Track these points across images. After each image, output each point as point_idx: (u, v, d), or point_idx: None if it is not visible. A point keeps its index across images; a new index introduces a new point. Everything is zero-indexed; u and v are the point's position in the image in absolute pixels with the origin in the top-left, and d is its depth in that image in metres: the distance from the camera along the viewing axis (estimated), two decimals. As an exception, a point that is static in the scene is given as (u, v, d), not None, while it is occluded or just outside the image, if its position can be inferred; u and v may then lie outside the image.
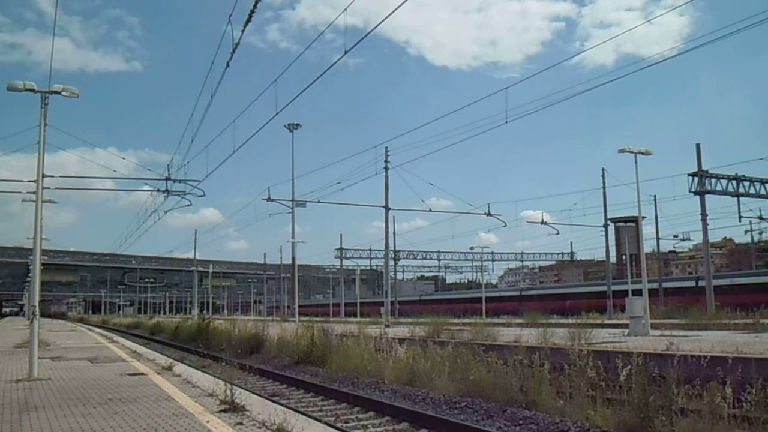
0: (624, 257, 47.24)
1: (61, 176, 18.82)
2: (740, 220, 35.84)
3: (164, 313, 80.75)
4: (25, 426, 6.53)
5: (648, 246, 44.70)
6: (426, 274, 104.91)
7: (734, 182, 33.73)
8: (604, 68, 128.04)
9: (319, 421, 8.37)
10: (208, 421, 6.60)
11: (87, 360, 14.44)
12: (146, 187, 23.02)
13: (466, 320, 27.14)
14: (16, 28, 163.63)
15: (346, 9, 10.38)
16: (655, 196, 40.87)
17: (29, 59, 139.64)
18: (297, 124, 45.03)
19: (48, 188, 15.21)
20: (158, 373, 11.42)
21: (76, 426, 6.47)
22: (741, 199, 34.49)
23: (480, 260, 63.32)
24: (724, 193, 33.67)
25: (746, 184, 34.28)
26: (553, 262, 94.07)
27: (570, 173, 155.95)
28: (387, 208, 33.62)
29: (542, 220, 44.92)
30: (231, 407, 7.25)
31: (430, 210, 40.95)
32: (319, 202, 36.42)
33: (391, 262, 51.17)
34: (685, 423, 7.34)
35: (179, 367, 12.63)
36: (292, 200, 39.19)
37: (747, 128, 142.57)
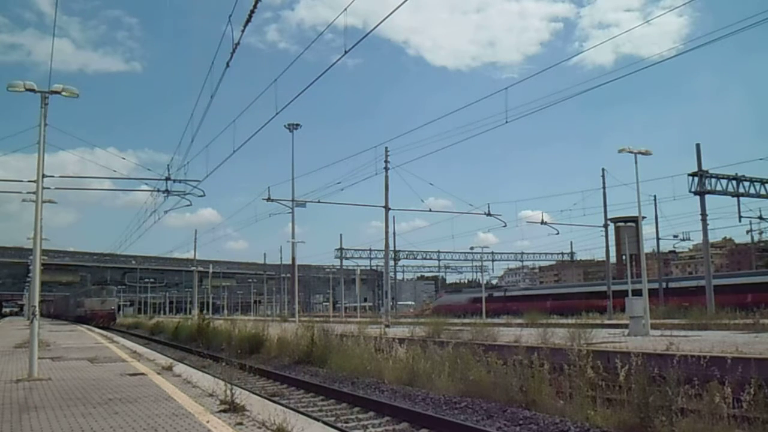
0: (624, 257, 47.16)
1: (60, 176, 18.86)
2: (740, 220, 35.81)
3: (164, 314, 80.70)
4: (25, 426, 6.53)
5: (648, 246, 44.68)
6: (426, 274, 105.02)
7: (734, 182, 33.73)
8: (603, 68, 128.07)
9: (319, 421, 8.37)
10: (208, 421, 6.60)
11: (87, 360, 14.44)
12: (146, 187, 23.09)
13: (467, 320, 27.15)
14: (15, 28, 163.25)
15: (345, 9, 10.40)
16: (655, 196, 40.87)
17: (29, 60, 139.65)
18: (297, 124, 45.18)
19: (48, 188, 15.23)
20: (158, 373, 11.42)
21: (76, 426, 6.47)
22: (741, 199, 34.49)
23: (480, 260, 63.31)
24: (724, 193, 33.66)
25: (746, 184, 34.27)
26: (553, 262, 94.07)
27: (570, 173, 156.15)
28: (387, 208, 33.60)
29: (542, 220, 44.97)
30: (231, 407, 7.25)
31: (430, 210, 41.02)
32: (319, 202, 36.41)
33: (391, 262, 51.17)
34: (685, 423, 7.34)
35: (179, 367, 12.63)
36: (292, 200, 39.26)
37: (746, 128, 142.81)
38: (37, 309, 12.00)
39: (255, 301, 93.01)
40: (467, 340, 15.28)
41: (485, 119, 53.54)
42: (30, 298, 14.57)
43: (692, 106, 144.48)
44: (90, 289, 58.02)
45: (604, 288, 41.32)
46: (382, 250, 47.15)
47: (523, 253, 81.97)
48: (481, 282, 66.67)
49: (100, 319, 48.50)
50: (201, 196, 19.88)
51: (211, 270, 71.69)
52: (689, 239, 54.31)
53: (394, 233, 54.32)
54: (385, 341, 16.14)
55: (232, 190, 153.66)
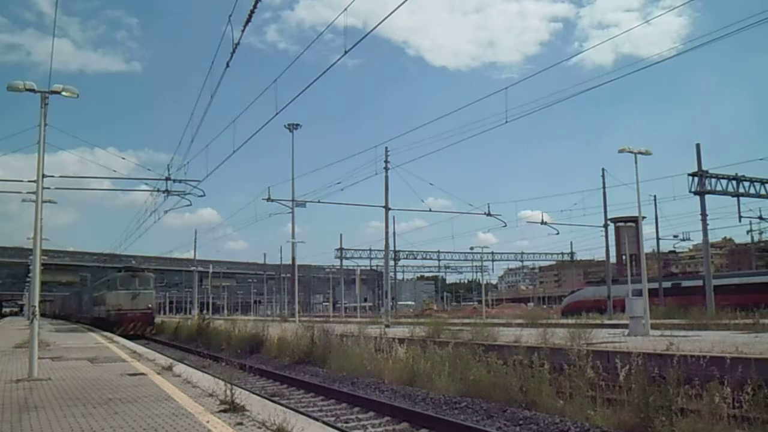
0: (624, 257, 47.21)
1: (60, 176, 18.86)
2: (740, 220, 35.83)
3: (164, 313, 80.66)
4: (25, 426, 6.53)
5: (648, 246, 44.70)
6: (426, 274, 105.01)
7: (734, 182, 33.73)
8: (603, 68, 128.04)
9: (319, 421, 8.36)
10: (208, 421, 6.60)
11: (87, 360, 14.43)
12: (146, 187, 23.10)
13: (466, 320, 27.16)
14: (15, 28, 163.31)
15: (345, 9, 10.41)
16: (655, 196, 40.89)
17: (29, 60, 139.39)
18: (297, 124, 45.31)
19: (48, 188, 15.23)
20: (158, 373, 11.42)
21: (76, 426, 6.47)
22: (741, 199, 34.50)
23: (480, 260, 63.26)
24: (724, 193, 33.67)
25: (746, 184, 34.27)
26: (553, 262, 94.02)
27: (570, 173, 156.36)
28: (387, 208, 33.62)
29: (542, 220, 44.96)
30: (231, 407, 7.25)
31: (430, 210, 41.07)
32: (319, 202, 36.45)
33: (391, 262, 51.18)
34: (685, 423, 7.34)
35: (179, 367, 12.62)
36: (292, 200, 39.34)
37: (747, 128, 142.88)
38: (37, 309, 11.99)
39: (255, 301, 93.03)
40: (467, 340, 15.27)
41: (485, 119, 53.65)
42: (30, 298, 14.57)
43: (692, 106, 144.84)
44: (114, 277, 36.97)
45: None
46: (382, 250, 47.19)
47: (523, 253, 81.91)
48: (481, 282, 66.70)
49: (131, 323, 33.19)
50: (201, 196, 19.88)
51: (211, 270, 71.70)
52: (689, 239, 54.32)
53: (394, 233, 54.39)
54: (385, 341, 16.14)
55: (232, 190, 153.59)
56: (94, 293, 44.39)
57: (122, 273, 36.80)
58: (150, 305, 35.87)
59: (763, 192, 35.01)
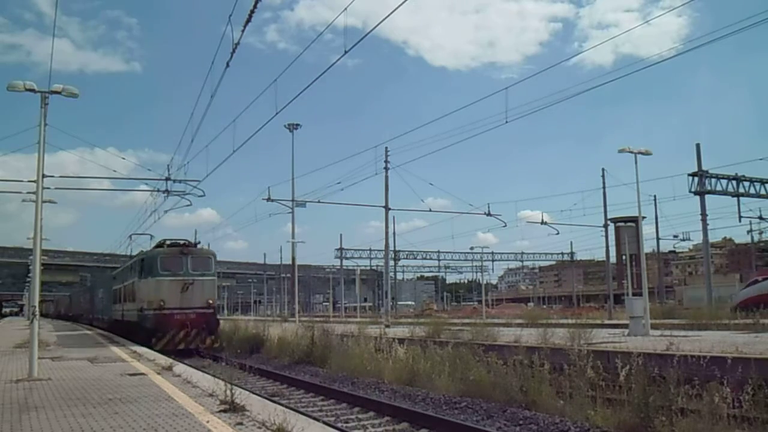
0: (624, 257, 47.20)
1: (60, 176, 18.94)
2: (740, 220, 35.90)
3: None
4: (25, 426, 6.53)
5: (648, 246, 44.82)
6: (426, 274, 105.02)
7: (734, 182, 33.77)
8: (603, 69, 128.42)
9: (319, 421, 8.36)
10: (208, 421, 6.60)
11: (87, 360, 14.43)
12: (146, 187, 23.10)
13: (466, 320, 27.15)
14: (15, 28, 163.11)
15: (345, 9, 10.41)
16: (655, 196, 40.99)
17: (29, 60, 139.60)
18: (297, 124, 45.25)
19: (48, 188, 15.26)
20: (158, 373, 11.42)
21: (76, 426, 6.47)
22: (741, 199, 34.54)
23: (480, 260, 63.22)
24: (724, 193, 33.70)
25: (746, 184, 34.31)
26: (553, 262, 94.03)
27: (570, 173, 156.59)
28: (387, 208, 33.64)
29: (542, 220, 44.98)
30: (231, 407, 7.25)
31: (430, 210, 41.13)
32: (319, 202, 36.47)
33: (391, 262, 51.15)
34: (685, 423, 7.34)
35: (179, 367, 12.61)
36: (292, 200, 39.32)
37: (747, 128, 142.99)
38: (37, 309, 12.00)
39: (255, 301, 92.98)
40: (467, 340, 15.27)
41: (485, 119, 53.81)
42: (30, 298, 14.58)
43: (692, 106, 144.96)
44: (152, 255, 22.22)
45: None
46: (382, 250, 47.13)
47: (523, 253, 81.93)
48: (481, 282, 66.68)
49: (181, 330, 20.56)
50: (201, 196, 19.84)
51: (211, 270, 71.42)
52: (689, 239, 54.55)
53: (394, 233, 54.39)
54: (385, 341, 16.14)
55: (232, 190, 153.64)
56: (114, 284, 29.28)
57: (165, 248, 22.49)
58: (211, 301, 22.07)
59: (763, 192, 35.04)
